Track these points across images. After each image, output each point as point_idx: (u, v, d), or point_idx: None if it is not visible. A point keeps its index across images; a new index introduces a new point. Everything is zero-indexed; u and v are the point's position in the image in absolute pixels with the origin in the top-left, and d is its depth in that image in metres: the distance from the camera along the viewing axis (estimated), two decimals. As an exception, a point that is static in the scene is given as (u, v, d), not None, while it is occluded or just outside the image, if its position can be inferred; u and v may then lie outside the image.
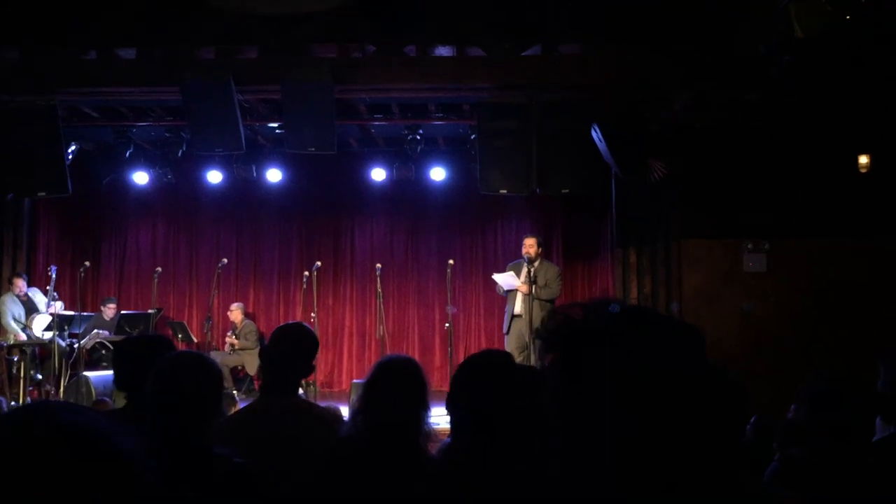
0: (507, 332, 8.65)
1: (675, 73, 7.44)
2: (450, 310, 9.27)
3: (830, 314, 8.34)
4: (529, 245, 8.61)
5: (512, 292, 8.63)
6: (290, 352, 3.11)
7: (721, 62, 7.18)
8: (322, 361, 11.00)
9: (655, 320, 1.09)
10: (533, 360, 8.02)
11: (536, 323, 8.19)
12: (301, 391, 3.44)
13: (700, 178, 8.65)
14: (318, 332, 6.42)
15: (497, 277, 8.77)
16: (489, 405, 2.26)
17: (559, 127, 7.84)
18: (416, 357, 3.55)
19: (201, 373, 2.26)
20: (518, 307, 8.54)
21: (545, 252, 9.09)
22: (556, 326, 1.09)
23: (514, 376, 2.33)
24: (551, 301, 8.53)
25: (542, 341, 1.10)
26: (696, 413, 1.01)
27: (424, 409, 2.60)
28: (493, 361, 2.44)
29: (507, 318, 8.72)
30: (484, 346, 10.86)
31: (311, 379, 8.73)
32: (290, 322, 4.41)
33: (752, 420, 4.34)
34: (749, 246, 8.74)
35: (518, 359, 8.01)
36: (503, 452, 2.17)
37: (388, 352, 9.31)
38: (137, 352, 2.99)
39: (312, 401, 3.12)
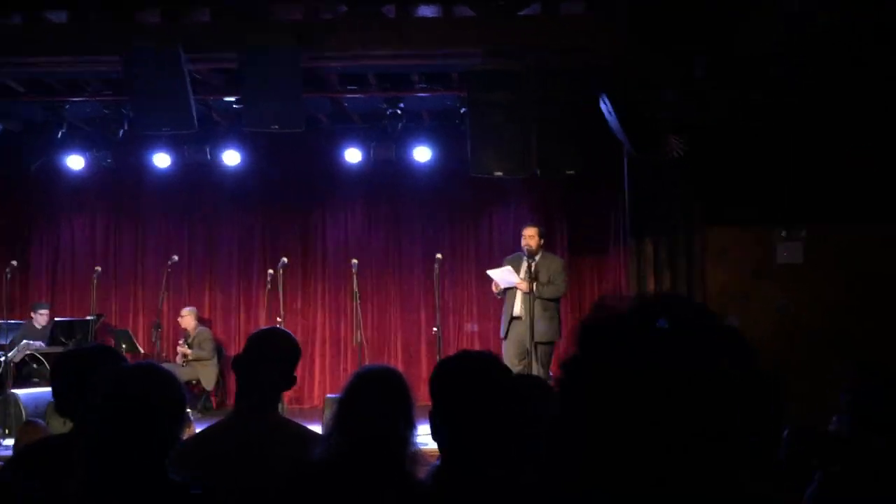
0: (506, 337, 8.67)
1: (696, 34, 7.44)
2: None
3: (878, 308, 8.35)
4: (529, 236, 8.63)
5: (510, 291, 8.65)
6: (265, 361, 3.08)
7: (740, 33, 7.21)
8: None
9: (677, 319, 1.12)
10: (535, 369, 8.05)
11: (538, 325, 8.23)
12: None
13: (726, 157, 8.65)
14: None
15: (492, 274, 8.79)
16: (462, 417, 2.33)
17: (562, 98, 7.83)
18: (400, 367, 3.54)
19: (154, 386, 2.24)
20: (517, 308, 8.56)
21: (547, 244, 9.12)
22: (591, 322, 1.14)
23: (491, 385, 2.38)
24: (555, 300, 8.56)
25: (576, 338, 1.14)
26: (701, 416, 1.06)
27: (410, 426, 2.58)
28: (468, 368, 2.49)
29: (504, 320, 8.74)
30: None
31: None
32: (267, 327, 4.40)
33: (784, 435, 4.37)
34: (783, 233, 8.76)
35: (517, 367, 8.04)
36: (479, 460, 2.23)
37: (368, 362, 9.32)
38: (78, 367, 2.89)
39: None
